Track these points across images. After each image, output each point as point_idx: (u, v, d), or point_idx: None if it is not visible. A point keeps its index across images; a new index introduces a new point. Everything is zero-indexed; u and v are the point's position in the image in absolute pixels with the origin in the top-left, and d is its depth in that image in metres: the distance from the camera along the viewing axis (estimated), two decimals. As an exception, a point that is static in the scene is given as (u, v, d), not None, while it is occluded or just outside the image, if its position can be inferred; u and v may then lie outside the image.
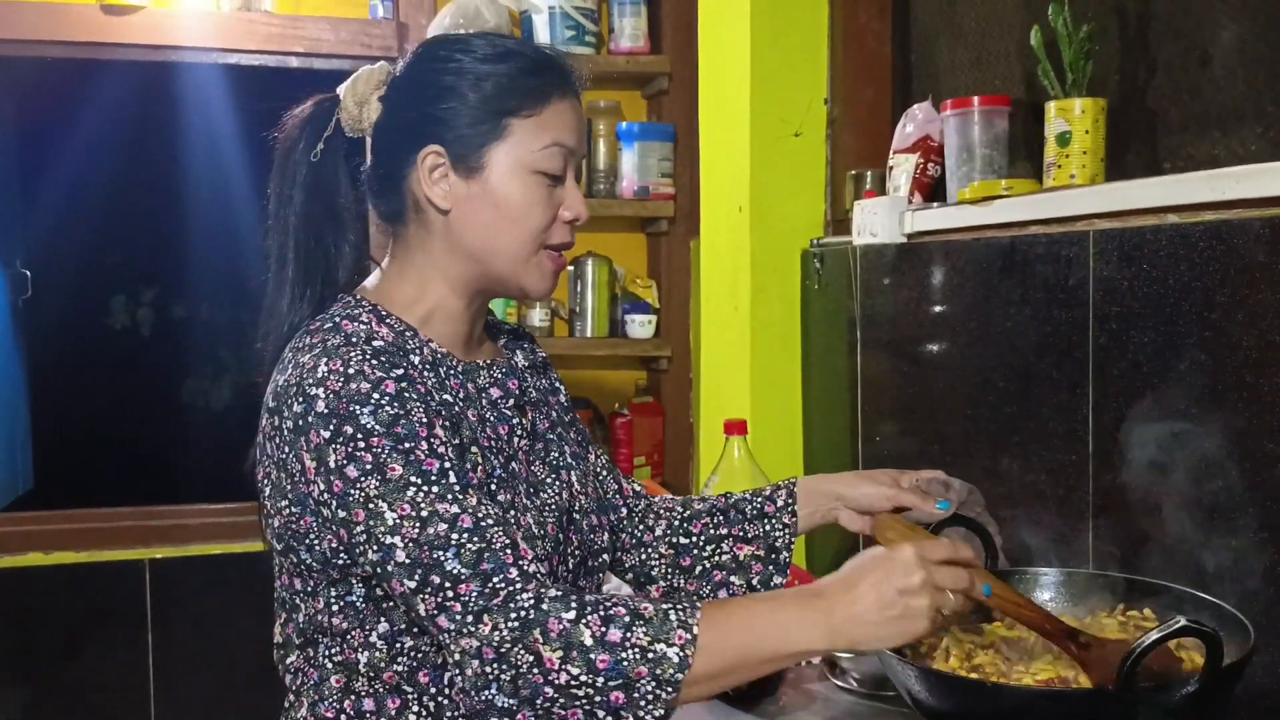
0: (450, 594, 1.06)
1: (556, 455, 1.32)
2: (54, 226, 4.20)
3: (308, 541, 1.16)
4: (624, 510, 1.47)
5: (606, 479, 1.47)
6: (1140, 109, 1.62)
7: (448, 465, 1.11)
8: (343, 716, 1.19)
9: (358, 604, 1.17)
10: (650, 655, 1.03)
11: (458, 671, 1.06)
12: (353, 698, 1.18)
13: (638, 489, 1.50)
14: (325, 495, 1.11)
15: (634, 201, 3.11)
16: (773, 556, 1.42)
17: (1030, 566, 1.45)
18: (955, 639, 1.28)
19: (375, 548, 1.08)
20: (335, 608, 1.17)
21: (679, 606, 1.06)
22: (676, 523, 1.45)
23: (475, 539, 1.07)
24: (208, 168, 4.36)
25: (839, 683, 1.74)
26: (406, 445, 1.09)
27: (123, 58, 3.00)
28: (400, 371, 1.14)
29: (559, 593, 1.06)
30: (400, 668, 1.17)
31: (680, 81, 3.09)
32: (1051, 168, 1.62)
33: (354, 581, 1.16)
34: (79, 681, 2.88)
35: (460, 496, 1.09)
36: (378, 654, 1.17)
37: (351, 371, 1.12)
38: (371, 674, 1.17)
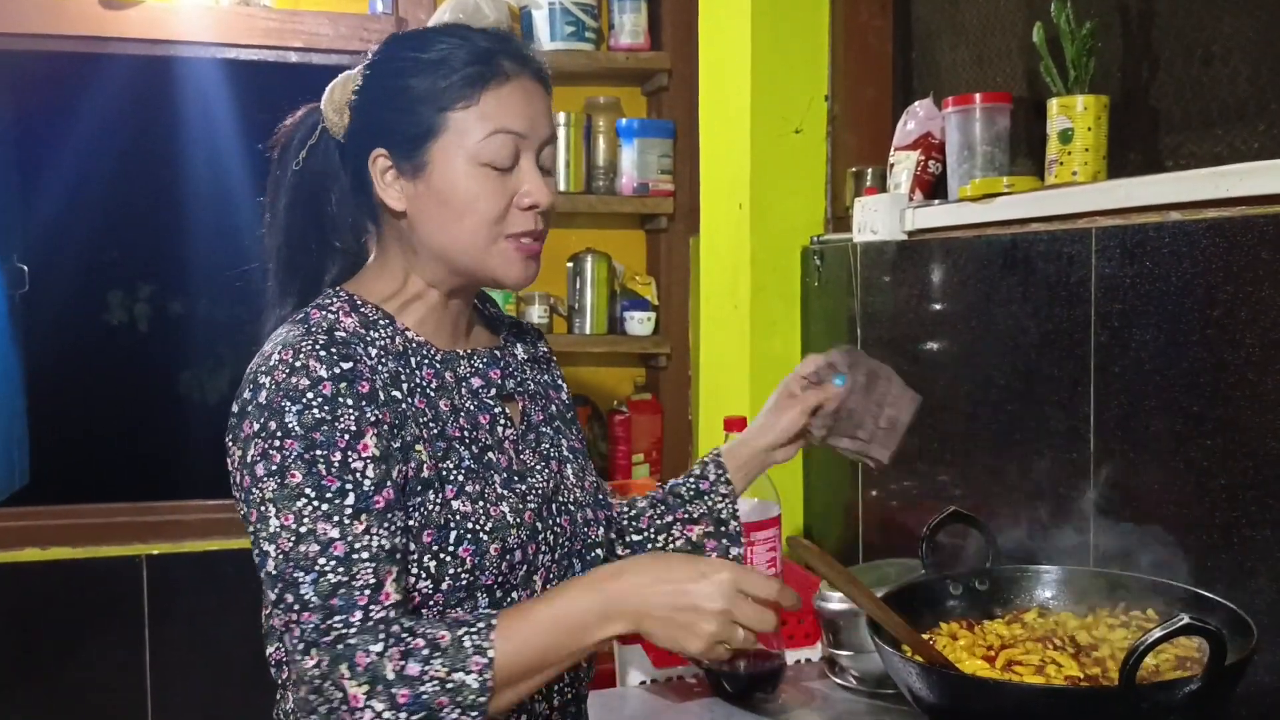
0: (293, 618, 1.08)
1: (549, 446, 1.31)
2: (52, 221, 4.19)
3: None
4: (601, 530, 1.46)
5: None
6: (1142, 106, 1.61)
7: (349, 485, 1.09)
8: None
9: None
10: (450, 685, 1.04)
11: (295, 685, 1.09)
12: None
13: (610, 515, 1.50)
14: (237, 486, 1.14)
15: (633, 198, 3.11)
16: (722, 529, 1.43)
17: (1031, 565, 1.44)
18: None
19: (257, 550, 1.11)
20: None
21: (473, 630, 1.07)
22: (625, 523, 1.47)
23: (339, 570, 1.08)
24: (206, 163, 4.35)
25: (838, 680, 1.73)
26: (316, 454, 1.09)
27: (121, 52, 2.99)
28: (348, 366, 1.13)
29: (379, 620, 1.07)
30: None
31: (680, 78, 3.08)
32: (1053, 165, 1.62)
33: None
34: (76, 677, 2.87)
35: (346, 521, 1.09)
36: None
37: (297, 365, 1.12)
38: None
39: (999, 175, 1.77)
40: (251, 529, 1.12)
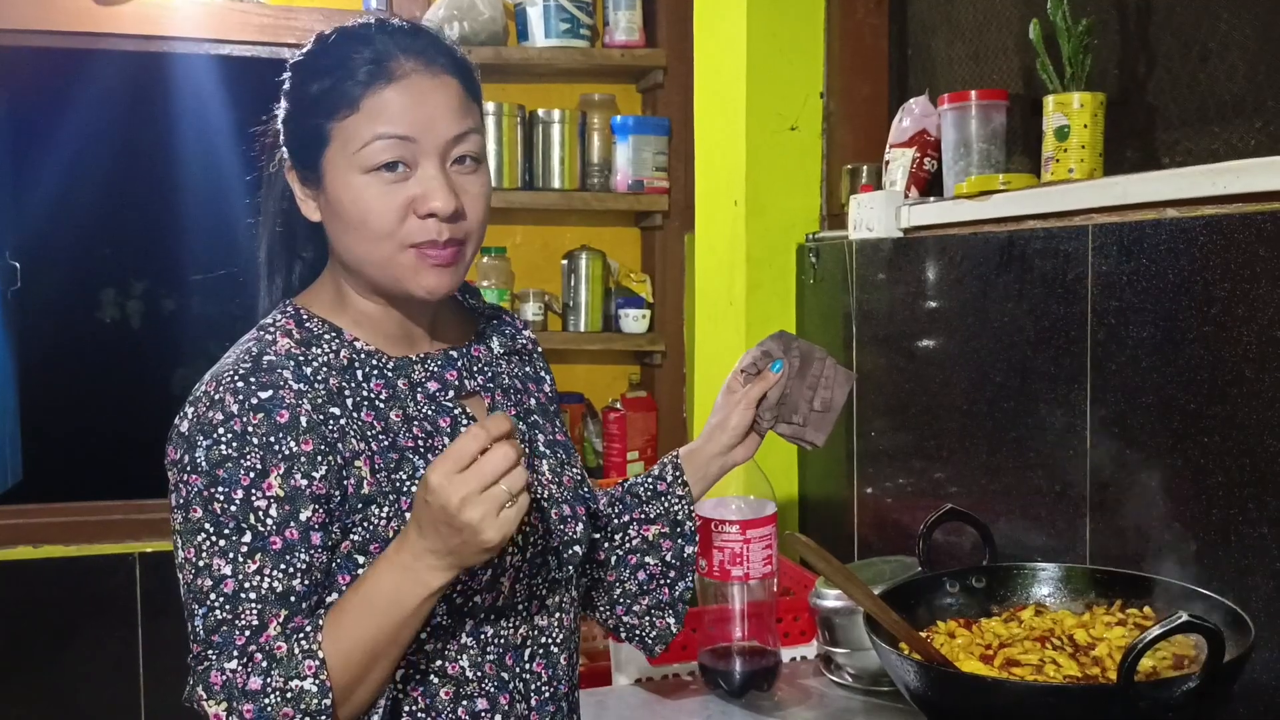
0: (191, 647, 1.10)
1: (522, 442, 1.28)
2: (44, 218, 4.18)
3: None
4: (580, 527, 1.44)
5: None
6: (1139, 103, 1.61)
7: (246, 525, 1.09)
8: None
9: None
10: (290, 694, 1.05)
11: None
12: None
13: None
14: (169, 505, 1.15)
15: (628, 195, 3.10)
16: (678, 529, 1.41)
17: (1028, 562, 1.44)
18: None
19: (178, 573, 1.13)
20: None
21: (299, 635, 1.07)
22: (600, 522, 1.44)
23: (226, 609, 1.08)
24: (199, 160, 4.34)
25: (834, 678, 1.73)
26: (216, 491, 1.09)
27: (114, 48, 2.98)
28: (266, 396, 1.11)
29: (239, 641, 1.07)
30: None
31: (675, 75, 3.08)
32: (1050, 162, 1.62)
33: None
34: (69, 675, 2.87)
35: (240, 559, 1.08)
36: None
37: (215, 398, 1.11)
38: None
39: (995, 172, 1.77)
40: (173, 549, 1.14)
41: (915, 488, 1.95)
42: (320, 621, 1.08)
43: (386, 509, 1.14)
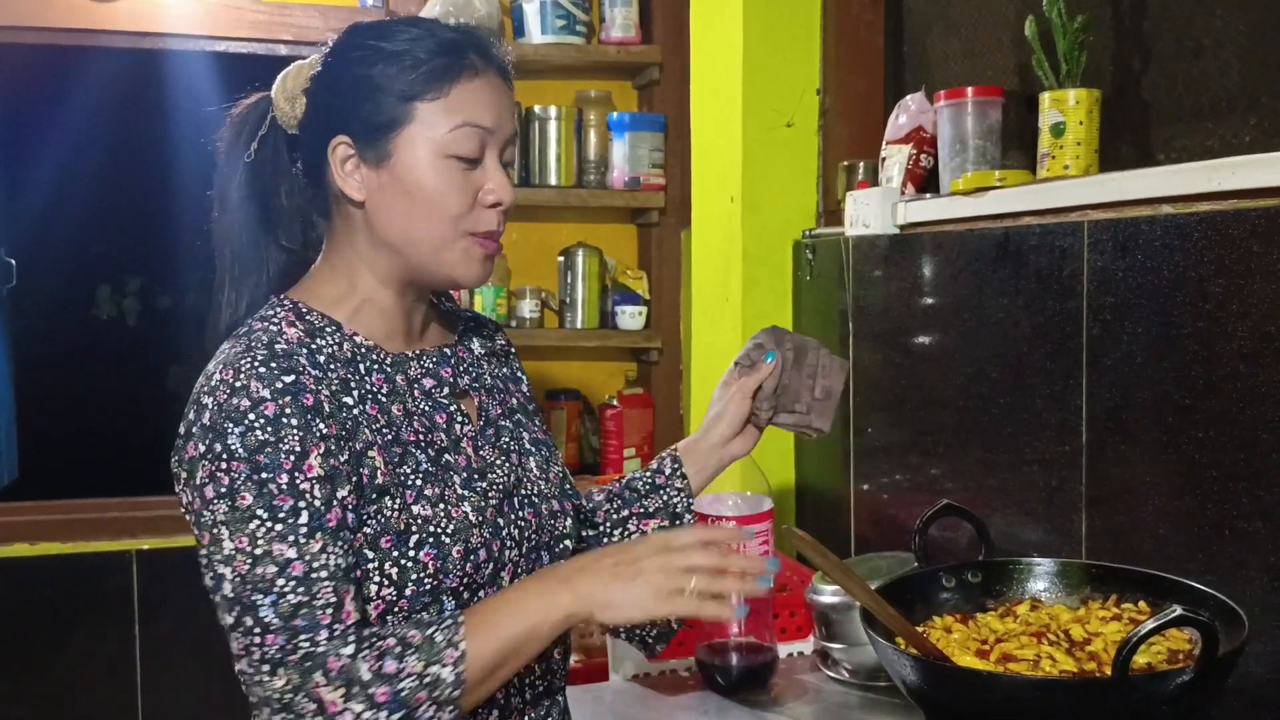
0: (256, 640, 1.06)
1: (509, 440, 1.29)
2: (39, 215, 4.17)
3: None
4: (569, 522, 1.44)
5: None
6: (1134, 100, 1.62)
7: (302, 505, 1.08)
8: None
9: None
10: (426, 679, 1.05)
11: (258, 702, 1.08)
12: None
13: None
14: (187, 509, 1.12)
15: (624, 192, 3.10)
16: (677, 523, 1.43)
17: (1024, 557, 1.45)
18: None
19: (210, 574, 1.09)
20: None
21: (443, 625, 1.08)
22: (581, 518, 1.44)
23: (300, 591, 1.07)
24: (194, 156, 4.33)
25: (831, 673, 1.74)
26: (264, 476, 1.07)
27: (109, 45, 2.98)
28: (290, 380, 1.11)
29: (344, 630, 1.07)
30: None
31: (671, 72, 3.08)
32: (1045, 159, 1.62)
33: None
34: (66, 673, 2.86)
35: (302, 540, 1.07)
36: None
37: (238, 385, 1.10)
38: None
39: (991, 169, 1.77)
40: (204, 552, 1.09)
41: (911, 483, 1.96)
42: (460, 618, 1.09)
43: (397, 501, 1.15)
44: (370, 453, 1.14)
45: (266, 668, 1.05)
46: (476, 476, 1.22)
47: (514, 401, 1.35)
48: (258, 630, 1.06)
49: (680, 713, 1.65)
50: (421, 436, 1.20)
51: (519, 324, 3.11)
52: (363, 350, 1.21)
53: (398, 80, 1.18)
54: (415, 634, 1.07)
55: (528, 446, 1.32)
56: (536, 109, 3.08)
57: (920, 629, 1.32)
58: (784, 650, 1.81)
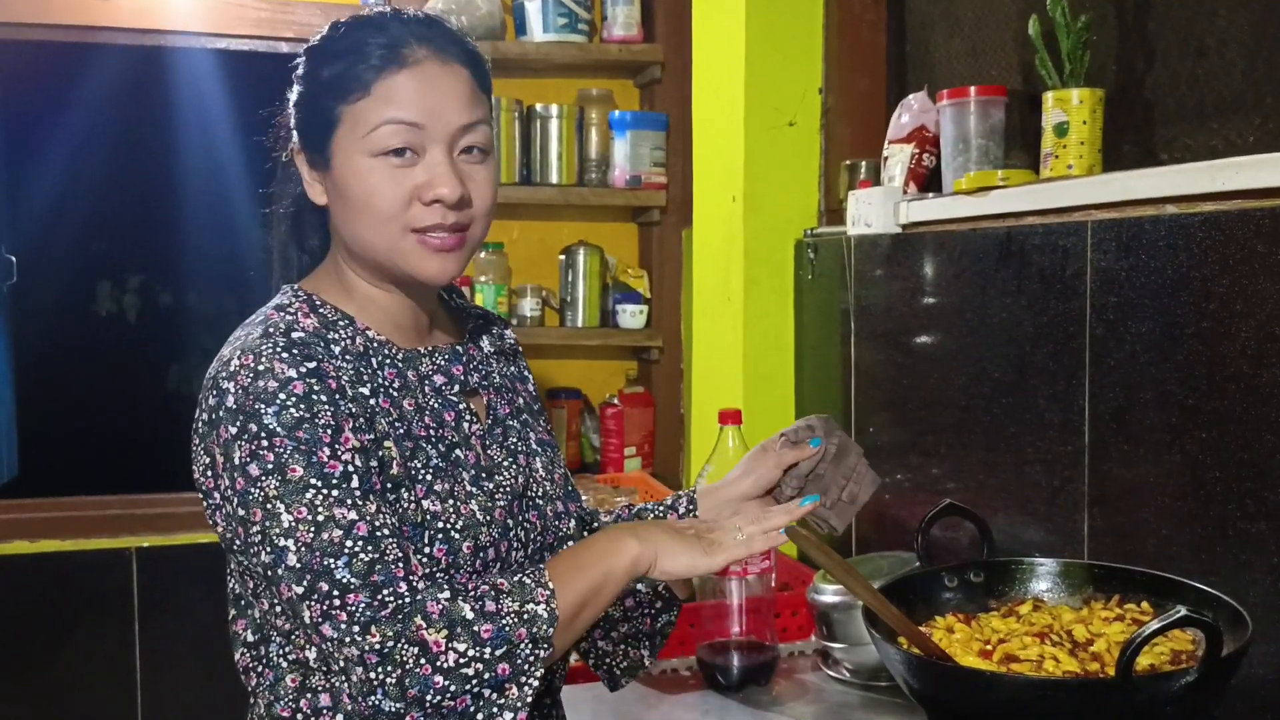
0: (337, 603, 1.05)
1: (516, 440, 1.29)
2: (41, 212, 4.17)
3: (227, 539, 1.16)
4: (573, 522, 1.44)
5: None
6: (1138, 99, 1.61)
7: (351, 470, 1.09)
8: (299, 715, 1.17)
9: None
10: (525, 616, 1.07)
11: (343, 679, 1.06)
12: (309, 695, 1.16)
13: (583, 512, 1.48)
14: (229, 492, 1.10)
15: (626, 191, 3.10)
16: None
17: (1026, 557, 1.44)
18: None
19: (269, 549, 1.07)
20: (279, 609, 1.15)
21: (527, 571, 1.11)
22: (584, 519, 1.42)
23: (370, 549, 1.07)
24: (196, 154, 4.34)
25: (832, 673, 1.74)
26: (308, 448, 1.08)
27: (111, 42, 2.98)
28: (312, 365, 1.11)
29: (398, 574, 1.08)
30: None
31: (673, 70, 3.08)
32: (1048, 158, 1.62)
33: None
34: (65, 670, 2.86)
35: (360, 502, 1.08)
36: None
37: (261, 368, 1.10)
38: (325, 668, 1.15)
39: (994, 168, 1.77)
40: (257, 529, 1.08)
41: (913, 483, 1.95)
42: (540, 565, 1.13)
43: (410, 494, 1.15)
44: (386, 443, 1.14)
45: (358, 627, 1.04)
46: (484, 475, 1.22)
47: (520, 401, 1.35)
48: (336, 593, 1.05)
49: (681, 712, 1.65)
50: (432, 432, 1.20)
51: (520, 322, 3.11)
52: (374, 344, 1.21)
53: (326, 83, 1.17)
54: (503, 581, 1.09)
55: (534, 447, 1.31)
56: (538, 107, 3.08)
57: (922, 629, 1.31)
58: (785, 649, 1.81)
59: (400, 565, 1.08)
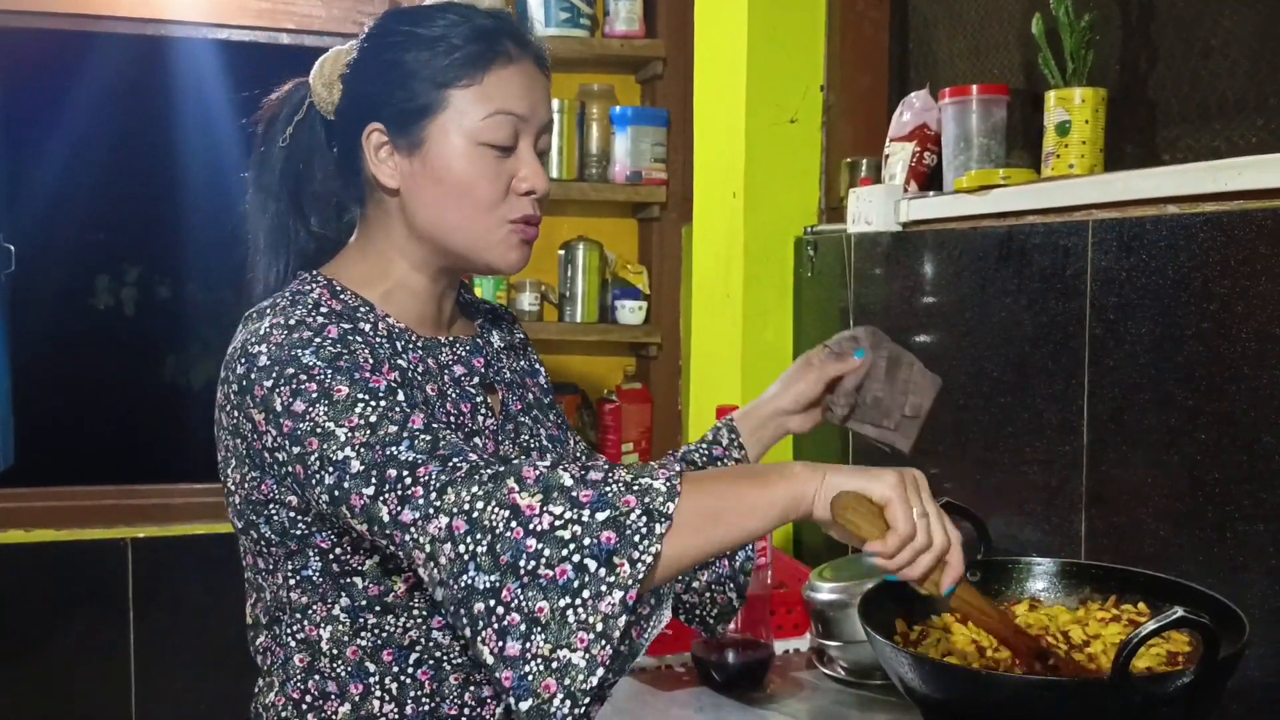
0: (409, 481, 1.00)
1: (529, 437, 1.29)
2: (39, 202, 4.16)
3: (267, 512, 1.14)
4: None
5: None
6: (1140, 99, 1.61)
7: (396, 386, 1.08)
8: (308, 698, 1.17)
9: (314, 578, 1.15)
10: (636, 487, 0.98)
11: (429, 582, 1.00)
12: (316, 678, 1.17)
13: None
14: (278, 439, 1.08)
15: (626, 186, 3.09)
16: None
17: (1023, 557, 1.44)
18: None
19: (330, 470, 1.04)
20: (293, 582, 1.16)
21: (650, 464, 1.07)
22: None
23: (427, 434, 1.04)
24: (195, 145, 4.33)
25: (827, 671, 1.73)
26: (350, 370, 1.07)
27: (111, 31, 2.97)
28: (348, 326, 1.13)
29: (463, 447, 1.04)
30: (364, 643, 1.16)
31: (675, 66, 3.07)
32: (1050, 157, 1.62)
33: (311, 554, 1.14)
34: (59, 661, 2.86)
35: (408, 409, 1.06)
36: (340, 628, 1.15)
37: (293, 323, 1.11)
38: (335, 651, 1.16)
39: (995, 167, 1.76)
40: (315, 456, 1.04)
41: (910, 482, 1.95)
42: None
43: None
44: (415, 413, 1.12)
45: (434, 494, 0.99)
46: None
47: (531, 396, 1.35)
48: (406, 471, 1.01)
49: (675, 708, 1.65)
50: (451, 419, 1.20)
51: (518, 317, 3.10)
52: (396, 330, 1.21)
53: (431, 67, 1.17)
54: (620, 469, 1.02)
55: (545, 443, 1.31)
56: (539, 102, 3.06)
57: (919, 628, 1.31)
58: (780, 647, 1.81)
59: (462, 444, 1.04)
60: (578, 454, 1.41)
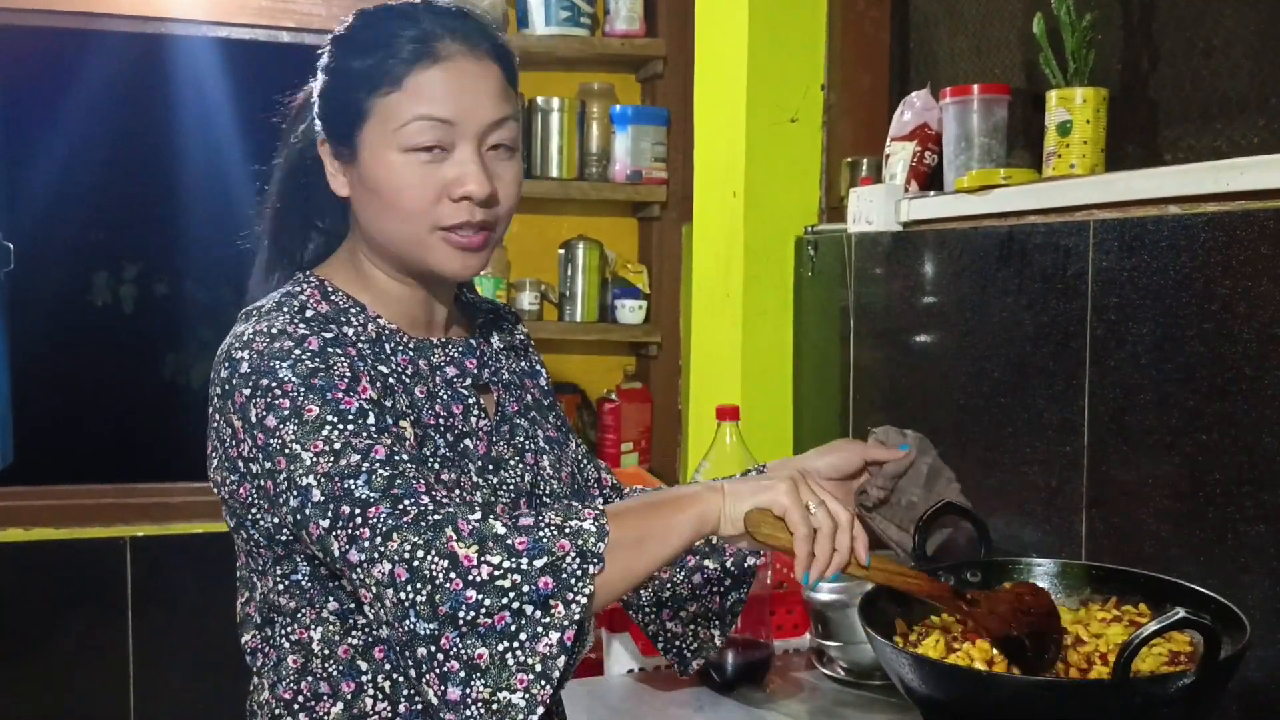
0: (359, 521, 1.01)
1: (524, 439, 1.28)
2: (38, 200, 4.16)
3: (251, 515, 1.14)
4: (600, 501, 1.44)
5: (586, 467, 1.44)
6: (1142, 99, 1.61)
7: (367, 408, 1.08)
8: (299, 699, 1.17)
9: (303, 583, 1.15)
10: (568, 529, 1.01)
11: (376, 620, 1.03)
12: (309, 679, 1.16)
13: (614, 482, 1.47)
14: (252, 451, 1.09)
15: (626, 186, 3.09)
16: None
17: (1024, 557, 1.44)
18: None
19: (295, 492, 1.05)
20: (282, 586, 1.16)
21: (574, 504, 1.08)
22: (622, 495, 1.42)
23: (387, 468, 1.04)
24: (195, 143, 4.33)
25: (826, 671, 1.73)
26: (323, 391, 1.07)
27: (111, 29, 2.96)
28: (330, 335, 1.12)
29: (419, 489, 1.04)
30: (355, 642, 1.15)
31: (675, 65, 3.07)
32: (1051, 157, 1.61)
33: (299, 559, 1.14)
34: (58, 659, 2.85)
35: (375, 435, 1.06)
36: (331, 628, 1.15)
37: (275, 331, 1.10)
38: (326, 651, 1.15)
39: (996, 167, 1.76)
40: (283, 476, 1.06)
41: (910, 482, 1.95)
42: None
43: None
44: (403, 422, 1.14)
45: (379, 539, 1.00)
46: (491, 469, 1.22)
47: (529, 398, 1.34)
48: (358, 510, 1.02)
49: (675, 708, 1.65)
50: (441, 421, 1.20)
51: (518, 316, 3.10)
52: (387, 332, 1.21)
53: (356, 74, 1.16)
54: (527, 519, 1.03)
55: (542, 445, 1.31)
56: (539, 100, 3.06)
57: (918, 628, 1.31)
58: (780, 647, 1.80)
59: (421, 483, 1.04)
60: (577, 456, 1.41)
